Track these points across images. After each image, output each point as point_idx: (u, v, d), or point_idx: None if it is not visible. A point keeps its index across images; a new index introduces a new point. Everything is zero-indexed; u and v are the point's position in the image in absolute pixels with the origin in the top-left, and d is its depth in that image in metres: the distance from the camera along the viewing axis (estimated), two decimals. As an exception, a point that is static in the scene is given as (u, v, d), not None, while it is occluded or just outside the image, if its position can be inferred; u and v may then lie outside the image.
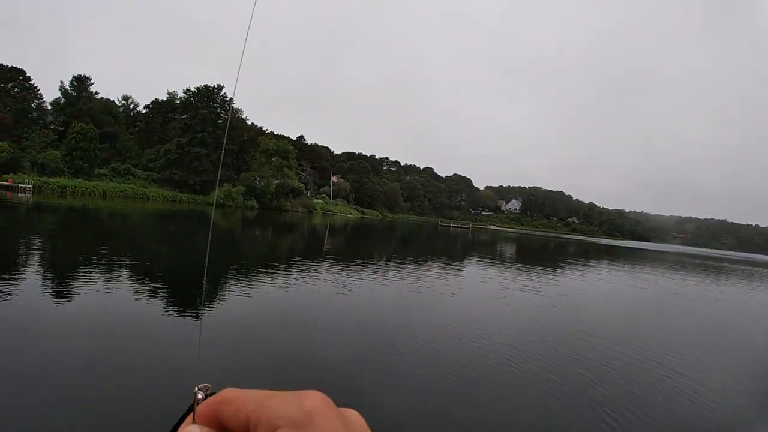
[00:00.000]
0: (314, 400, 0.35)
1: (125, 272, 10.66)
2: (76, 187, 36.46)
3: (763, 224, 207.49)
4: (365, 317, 9.63)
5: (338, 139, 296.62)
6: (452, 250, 32.68)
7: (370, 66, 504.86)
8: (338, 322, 9.02)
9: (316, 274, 14.35)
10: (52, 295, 8.09)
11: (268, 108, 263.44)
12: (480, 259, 26.93)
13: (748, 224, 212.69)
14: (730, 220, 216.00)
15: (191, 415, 0.40)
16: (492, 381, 6.77)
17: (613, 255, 49.15)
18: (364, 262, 19.00)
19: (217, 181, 57.16)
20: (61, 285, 8.91)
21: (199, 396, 0.41)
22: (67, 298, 8.01)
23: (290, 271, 14.41)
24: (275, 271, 14.13)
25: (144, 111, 69.67)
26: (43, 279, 9.18)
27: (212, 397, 0.39)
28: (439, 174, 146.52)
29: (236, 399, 0.38)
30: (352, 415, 0.37)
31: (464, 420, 5.52)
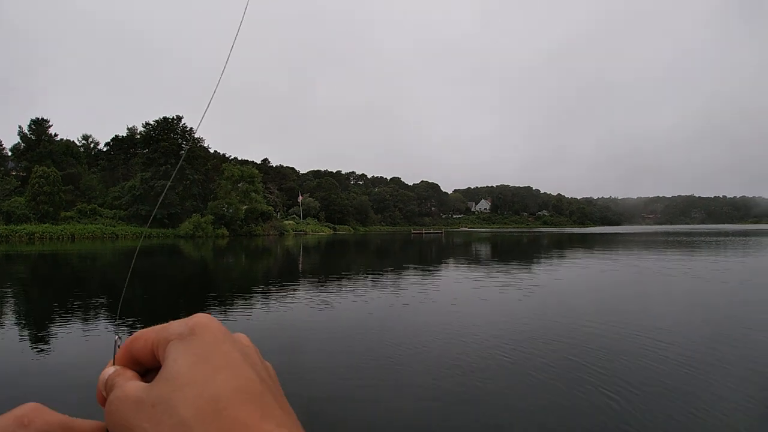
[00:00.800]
0: (199, 318, 0.41)
1: (99, 314, 11.35)
2: (44, 233, 36.42)
3: (730, 195, 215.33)
4: (351, 328, 10.12)
5: (303, 158, 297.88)
6: (429, 256, 33.81)
7: (334, 83, 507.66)
8: (324, 335, 9.39)
9: (295, 293, 14.90)
10: (28, 344, 8.58)
11: (231, 135, 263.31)
12: (457, 262, 28.01)
13: (715, 196, 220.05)
14: (697, 195, 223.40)
15: (111, 360, 0.38)
16: (488, 370, 7.24)
17: (586, 243, 50.85)
18: (341, 277, 19.66)
19: (159, 197, 57.38)
20: (35, 333, 9.31)
21: (119, 344, 0.38)
22: (41, 348, 8.19)
23: (268, 294, 15.10)
24: (252, 296, 14.95)
25: (105, 149, 69.59)
26: (18, 328, 9.77)
27: (126, 339, 0.43)
28: (406, 183, 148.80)
29: (144, 333, 0.42)
30: (240, 336, 0.42)
31: (468, 411, 5.84)
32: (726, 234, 67.42)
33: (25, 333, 9.21)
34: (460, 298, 14.49)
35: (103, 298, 13.85)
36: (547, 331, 9.72)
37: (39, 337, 8.85)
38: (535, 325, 10.57)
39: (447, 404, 6.12)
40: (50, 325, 9.95)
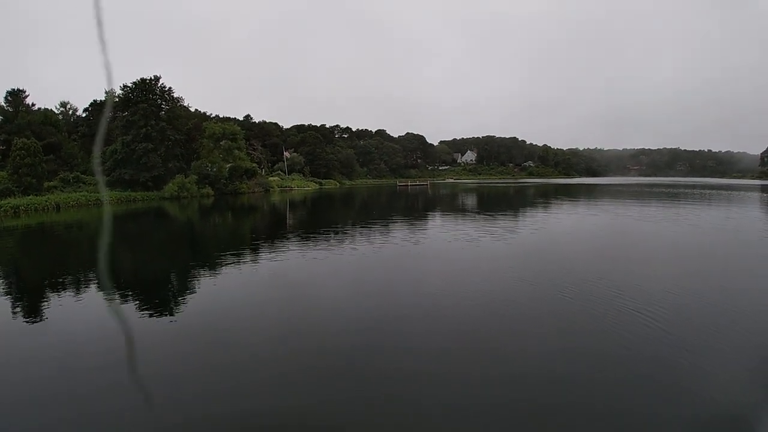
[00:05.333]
0: None
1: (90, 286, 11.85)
2: (28, 205, 37.21)
3: (715, 149, 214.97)
4: (357, 284, 10.94)
5: (286, 113, 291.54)
6: (416, 209, 35.03)
7: (328, 37, 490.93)
8: (331, 290, 10.34)
9: (288, 250, 15.59)
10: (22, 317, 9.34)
11: (213, 93, 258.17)
12: (447, 214, 29.23)
13: (700, 150, 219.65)
14: (683, 148, 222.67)
15: None
16: (511, 295, 8.61)
17: (574, 193, 52.50)
18: (334, 233, 20.45)
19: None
20: (25, 307, 10.14)
21: None
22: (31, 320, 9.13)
23: (258, 252, 15.56)
24: (248, 251, 15.45)
25: (84, 115, 69.03)
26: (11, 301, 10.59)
27: None
28: (391, 135, 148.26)
29: None
30: None
31: (491, 347, 6.67)
32: (711, 187, 69.77)
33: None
34: (459, 246, 15.62)
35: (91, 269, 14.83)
36: (556, 266, 11.61)
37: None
38: (543, 262, 12.30)
39: (481, 324, 7.43)
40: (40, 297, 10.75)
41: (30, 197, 38.26)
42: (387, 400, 5.50)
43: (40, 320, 8.99)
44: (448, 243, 16.26)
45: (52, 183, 45.01)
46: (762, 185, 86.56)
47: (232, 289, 10.75)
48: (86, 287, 11.54)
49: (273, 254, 15.15)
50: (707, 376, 5.87)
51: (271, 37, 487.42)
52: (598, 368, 6.10)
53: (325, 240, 17.68)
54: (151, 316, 8.88)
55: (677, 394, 5.40)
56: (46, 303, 10.16)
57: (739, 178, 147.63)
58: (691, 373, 5.89)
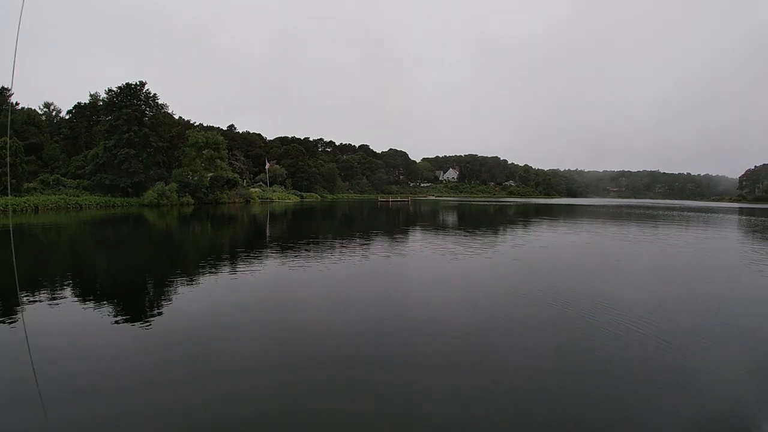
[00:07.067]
0: None
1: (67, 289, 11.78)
2: (6, 205, 37.26)
3: (694, 172, 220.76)
4: (341, 296, 10.95)
5: (270, 125, 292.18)
6: (399, 224, 35.49)
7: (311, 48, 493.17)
8: (316, 302, 10.32)
9: (268, 261, 15.65)
10: None
11: (198, 101, 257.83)
12: (428, 230, 29.73)
13: (679, 173, 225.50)
14: (662, 171, 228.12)
15: None
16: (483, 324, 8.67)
17: (554, 213, 53.71)
18: (315, 245, 20.57)
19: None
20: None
21: None
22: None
23: (236, 262, 15.38)
24: (221, 267, 15.02)
25: (67, 117, 69.02)
26: None
27: None
28: (375, 150, 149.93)
29: None
30: None
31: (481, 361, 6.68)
32: (689, 209, 72.49)
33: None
34: (452, 256, 16.26)
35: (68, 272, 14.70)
36: (546, 288, 12.02)
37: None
38: (530, 277, 12.92)
39: (473, 336, 7.73)
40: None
41: (9, 197, 38.12)
42: (374, 413, 5.47)
43: (9, 323, 8.71)
44: (430, 257, 16.78)
45: (31, 184, 44.86)
46: (739, 208, 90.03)
47: (212, 299, 10.66)
48: (62, 292, 11.58)
49: (252, 265, 15.06)
50: (706, 389, 6.09)
51: (261, 49, 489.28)
52: (591, 383, 6.18)
53: (306, 252, 17.95)
54: (130, 324, 8.73)
55: (675, 410, 5.49)
56: (17, 306, 9.93)
57: (717, 200, 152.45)
58: (690, 388, 6.12)
